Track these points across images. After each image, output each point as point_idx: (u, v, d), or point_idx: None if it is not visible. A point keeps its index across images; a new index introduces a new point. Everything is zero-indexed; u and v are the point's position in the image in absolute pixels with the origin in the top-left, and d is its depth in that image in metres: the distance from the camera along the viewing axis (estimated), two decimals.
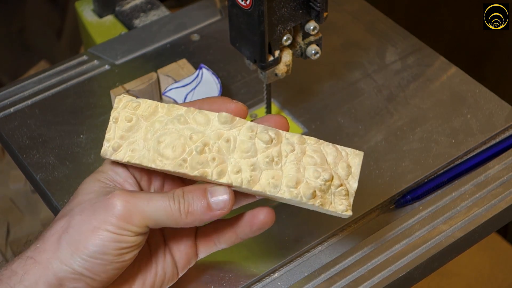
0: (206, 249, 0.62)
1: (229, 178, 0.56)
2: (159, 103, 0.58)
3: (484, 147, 0.81)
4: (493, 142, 0.82)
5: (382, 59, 0.92)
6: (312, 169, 0.58)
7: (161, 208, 0.55)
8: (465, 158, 0.80)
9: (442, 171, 0.79)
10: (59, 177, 0.78)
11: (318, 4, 0.72)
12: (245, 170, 0.56)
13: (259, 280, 0.70)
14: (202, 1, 1.00)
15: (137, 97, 0.82)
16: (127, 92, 0.82)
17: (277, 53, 0.74)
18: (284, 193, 0.57)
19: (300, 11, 0.72)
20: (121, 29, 1.01)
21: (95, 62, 0.92)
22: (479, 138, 0.81)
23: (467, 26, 1.37)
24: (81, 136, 0.83)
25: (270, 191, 0.57)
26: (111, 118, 0.58)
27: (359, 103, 0.86)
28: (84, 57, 0.92)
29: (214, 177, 0.56)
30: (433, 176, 0.78)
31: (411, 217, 0.74)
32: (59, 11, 1.66)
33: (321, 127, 0.84)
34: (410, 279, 0.71)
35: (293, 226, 0.73)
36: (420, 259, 0.71)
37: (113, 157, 0.57)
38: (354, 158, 0.61)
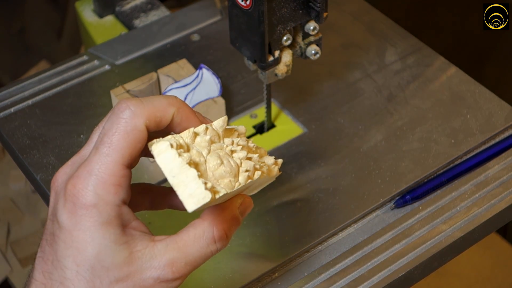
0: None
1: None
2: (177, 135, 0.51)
3: (483, 147, 0.81)
4: (493, 142, 0.82)
5: (382, 59, 0.92)
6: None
7: (205, 258, 0.53)
8: (464, 158, 0.80)
9: (441, 171, 0.79)
10: None
11: (318, 4, 0.72)
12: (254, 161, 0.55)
13: (259, 280, 0.70)
14: (202, 1, 1.00)
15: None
16: (127, 92, 0.82)
17: (277, 53, 0.74)
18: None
19: (300, 11, 0.72)
20: (121, 29, 1.01)
21: (95, 62, 0.92)
22: (479, 138, 0.82)
23: (467, 26, 1.37)
24: (81, 136, 0.83)
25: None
26: (185, 161, 0.48)
27: (359, 103, 0.87)
28: (84, 57, 0.92)
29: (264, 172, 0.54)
30: (432, 176, 0.78)
31: (411, 217, 0.75)
32: (59, 11, 1.66)
33: (321, 127, 0.84)
34: (410, 279, 0.71)
35: (293, 226, 0.74)
36: (419, 259, 0.71)
37: (217, 199, 0.49)
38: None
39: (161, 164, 0.48)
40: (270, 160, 0.57)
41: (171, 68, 0.85)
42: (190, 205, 0.47)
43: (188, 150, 0.50)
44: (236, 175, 0.51)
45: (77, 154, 0.53)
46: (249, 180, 0.52)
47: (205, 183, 0.47)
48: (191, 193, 0.47)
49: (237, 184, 0.51)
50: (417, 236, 0.73)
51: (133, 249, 0.50)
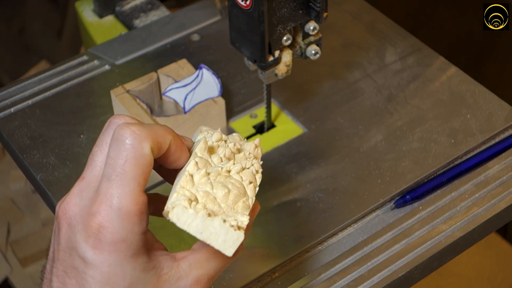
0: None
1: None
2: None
3: (483, 147, 0.81)
4: (493, 142, 0.82)
5: (382, 59, 0.92)
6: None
7: (221, 269, 0.54)
8: (464, 158, 0.80)
9: (441, 171, 0.79)
10: (59, 177, 0.78)
11: (318, 4, 0.72)
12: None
13: (259, 280, 0.70)
14: (202, 1, 1.00)
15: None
16: (127, 92, 0.82)
17: (277, 53, 0.74)
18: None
19: (300, 11, 0.72)
20: (121, 29, 1.01)
21: (95, 62, 0.92)
22: (479, 138, 0.82)
23: (467, 26, 1.37)
24: (81, 136, 0.83)
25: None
26: (205, 215, 0.49)
27: (359, 103, 0.87)
28: (84, 57, 0.92)
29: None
30: (432, 176, 0.78)
31: (411, 217, 0.75)
32: (59, 11, 1.66)
33: (321, 127, 0.84)
34: (410, 278, 0.71)
35: (293, 226, 0.74)
36: (419, 258, 0.71)
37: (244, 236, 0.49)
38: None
39: (184, 227, 0.49)
40: (250, 146, 0.57)
41: (171, 68, 0.85)
42: (229, 250, 0.49)
43: (196, 199, 0.50)
44: (245, 193, 0.52)
45: (81, 180, 0.52)
46: (257, 189, 0.53)
47: (232, 226, 0.48)
48: (224, 240, 0.48)
49: (250, 200, 0.52)
50: (417, 236, 0.73)
51: (160, 272, 0.50)
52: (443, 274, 1.29)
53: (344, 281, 0.69)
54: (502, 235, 1.35)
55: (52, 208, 0.77)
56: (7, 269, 1.41)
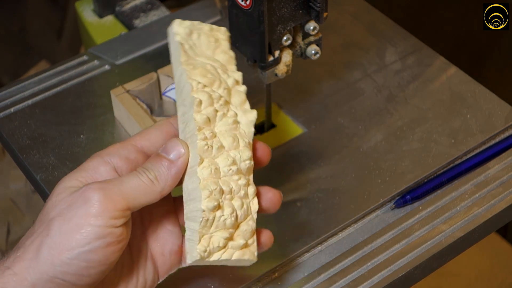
0: None
1: None
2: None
3: (483, 147, 0.81)
4: (493, 142, 0.82)
5: (382, 59, 0.92)
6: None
7: (134, 184, 0.56)
8: (464, 158, 0.80)
9: (442, 171, 0.79)
10: (59, 177, 0.78)
11: (318, 4, 0.72)
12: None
13: (259, 280, 0.70)
14: (202, 1, 1.00)
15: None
16: (127, 92, 0.82)
17: (277, 53, 0.74)
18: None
19: (300, 11, 0.72)
20: (121, 29, 1.01)
21: (95, 62, 0.92)
22: (479, 138, 0.82)
23: (467, 26, 1.37)
24: (81, 136, 0.83)
25: None
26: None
27: (359, 103, 0.87)
28: (84, 57, 0.92)
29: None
30: (432, 176, 0.78)
31: (411, 217, 0.75)
32: (59, 11, 1.66)
33: (321, 127, 0.84)
34: (410, 279, 0.71)
35: (293, 226, 0.74)
36: (420, 259, 0.71)
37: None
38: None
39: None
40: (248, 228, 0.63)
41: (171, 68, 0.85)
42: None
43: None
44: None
45: None
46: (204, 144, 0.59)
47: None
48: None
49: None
50: (417, 236, 0.73)
51: (85, 183, 0.58)
52: (443, 274, 1.29)
53: (344, 281, 0.69)
54: (502, 235, 1.35)
55: None
56: None
